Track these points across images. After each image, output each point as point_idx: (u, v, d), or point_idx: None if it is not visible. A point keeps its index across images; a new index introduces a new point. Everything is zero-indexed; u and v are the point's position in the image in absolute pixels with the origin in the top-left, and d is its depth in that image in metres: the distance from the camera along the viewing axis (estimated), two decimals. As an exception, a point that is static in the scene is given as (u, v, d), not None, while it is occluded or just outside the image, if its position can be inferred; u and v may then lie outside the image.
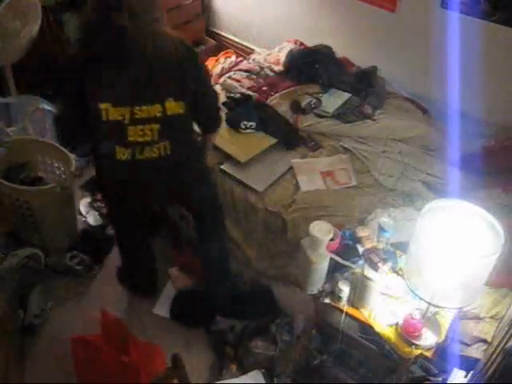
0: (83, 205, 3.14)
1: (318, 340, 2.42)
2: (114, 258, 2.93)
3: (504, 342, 1.44)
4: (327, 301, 1.97)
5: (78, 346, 2.23)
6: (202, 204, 2.33)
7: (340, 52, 3.64)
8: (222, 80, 3.39)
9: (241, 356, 2.47)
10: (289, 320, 2.57)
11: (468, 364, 1.99)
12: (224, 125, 2.80)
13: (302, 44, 3.84)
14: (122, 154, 1.98)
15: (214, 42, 4.56)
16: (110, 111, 1.89)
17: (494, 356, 1.45)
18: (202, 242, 2.46)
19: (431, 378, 2.17)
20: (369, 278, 1.85)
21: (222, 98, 3.20)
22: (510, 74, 3.07)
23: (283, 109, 3.12)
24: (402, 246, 2.14)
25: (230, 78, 3.44)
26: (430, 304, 1.73)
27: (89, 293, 2.76)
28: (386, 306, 1.93)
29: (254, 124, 2.93)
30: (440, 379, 2.16)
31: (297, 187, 2.73)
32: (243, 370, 2.44)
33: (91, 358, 2.18)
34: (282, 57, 3.60)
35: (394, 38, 3.51)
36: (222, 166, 2.78)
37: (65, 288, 2.74)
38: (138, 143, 1.97)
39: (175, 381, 1.84)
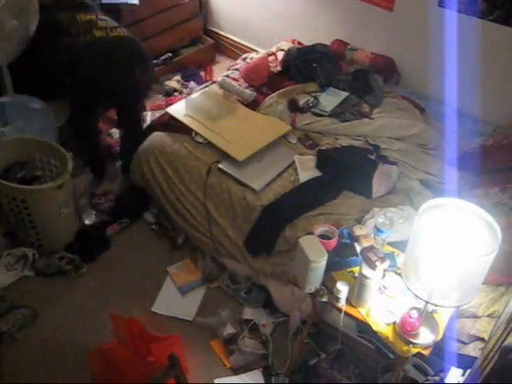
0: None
1: (315, 339, 2.43)
2: (111, 257, 2.94)
3: (501, 341, 1.44)
4: (325, 299, 1.97)
5: (98, 359, 2.18)
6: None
7: (337, 50, 3.64)
8: (220, 79, 3.39)
9: (232, 354, 2.49)
10: (285, 319, 2.58)
11: (465, 362, 1.99)
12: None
13: (299, 43, 3.84)
14: None
15: (211, 40, 4.55)
16: None
17: (491, 354, 1.45)
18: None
19: (428, 378, 2.18)
20: (366, 277, 1.85)
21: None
22: (507, 73, 3.08)
23: (281, 107, 3.12)
24: (399, 245, 2.14)
25: (227, 76, 3.44)
26: (427, 302, 1.74)
27: (78, 293, 2.76)
28: (383, 305, 1.93)
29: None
30: (437, 378, 2.17)
31: (294, 185, 2.72)
32: (234, 369, 2.46)
33: (112, 366, 2.14)
34: (280, 56, 3.60)
35: (392, 37, 3.51)
36: (220, 165, 2.78)
37: (52, 289, 2.74)
38: None
39: (172, 380, 1.84)
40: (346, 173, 2.71)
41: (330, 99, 3.20)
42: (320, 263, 1.92)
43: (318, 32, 3.85)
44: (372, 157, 2.83)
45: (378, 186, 2.66)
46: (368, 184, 2.64)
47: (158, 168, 2.93)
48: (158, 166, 2.94)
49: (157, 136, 3.03)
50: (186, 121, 3.00)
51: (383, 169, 2.73)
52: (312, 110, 3.13)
